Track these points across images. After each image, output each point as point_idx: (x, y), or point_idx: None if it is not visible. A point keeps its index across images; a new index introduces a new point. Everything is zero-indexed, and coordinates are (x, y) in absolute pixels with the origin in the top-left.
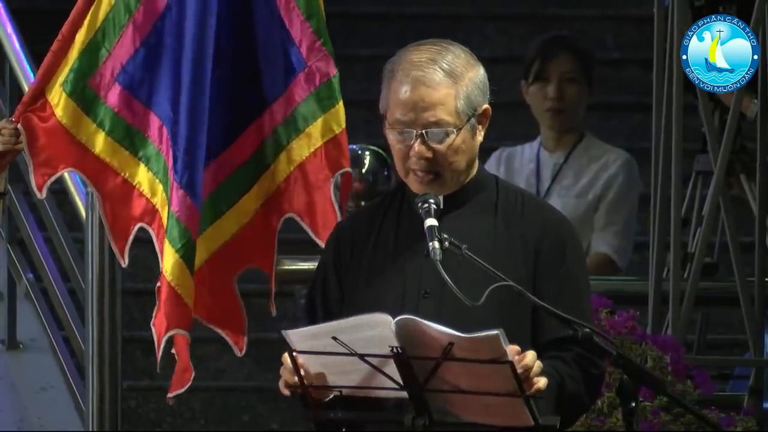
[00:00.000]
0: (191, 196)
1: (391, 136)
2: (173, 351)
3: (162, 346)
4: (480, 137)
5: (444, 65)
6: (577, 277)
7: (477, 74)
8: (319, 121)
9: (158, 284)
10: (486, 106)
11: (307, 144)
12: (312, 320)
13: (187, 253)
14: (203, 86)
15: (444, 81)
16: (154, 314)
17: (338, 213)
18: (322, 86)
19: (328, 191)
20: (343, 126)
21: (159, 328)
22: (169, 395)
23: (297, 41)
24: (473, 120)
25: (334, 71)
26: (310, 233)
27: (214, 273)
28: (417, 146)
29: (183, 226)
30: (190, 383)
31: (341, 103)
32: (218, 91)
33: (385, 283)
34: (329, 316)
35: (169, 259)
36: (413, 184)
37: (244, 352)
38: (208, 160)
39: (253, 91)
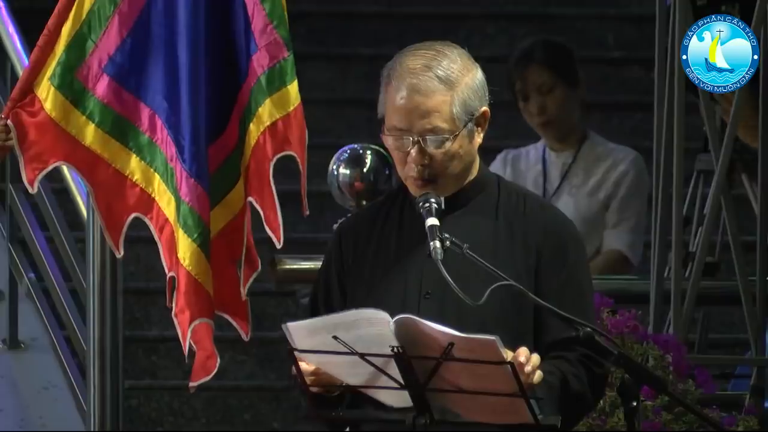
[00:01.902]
0: (201, 184)
1: (389, 142)
2: (190, 341)
3: (188, 336)
4: (479, 139)
5: (439, 72)
6: (580, 278)
7: (474, 78)
8: (266, 103)
9: (170, 274)
10: (484, 108)
11: (257, 128)
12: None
13: (204, 242)
14: (199, 75)
15: (439, 88)
16: (174, 305)
17: (276, 198)
18: (270, 70)
19: (268, 174)
20: (290, 109)
21: (182, 319)
22: (192, 384)
23: (252, 24)
24: (470, 124)
25: (284, 54)
26: (262, 216)
27: (215, 259)
28: (414, 153)
29: (197, 215)
30: (215, 370)
31: (293, 85)
32: (213, 78)
33: (387, 284)
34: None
35: (186, 249)
36: (412, 188)
37: (249, 336)
38: (207, 147)
39: (234, 76)
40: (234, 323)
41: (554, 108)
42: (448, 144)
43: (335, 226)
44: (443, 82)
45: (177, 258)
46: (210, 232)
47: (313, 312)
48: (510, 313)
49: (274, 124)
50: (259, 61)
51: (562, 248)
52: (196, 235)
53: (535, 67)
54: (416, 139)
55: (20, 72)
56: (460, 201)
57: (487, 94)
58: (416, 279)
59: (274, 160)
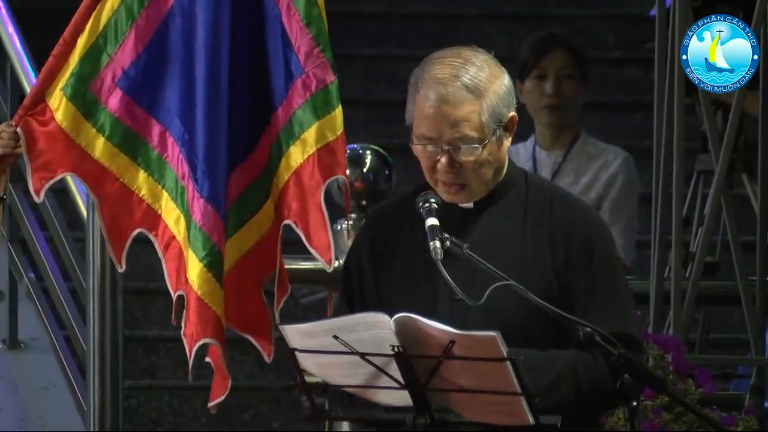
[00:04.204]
0: (214, 205)
1: (418, 150)
2: (207, 359)
3: (193, 355)
4: (507, 143)
5: (467, 80)
6: (609, 273)
7: (501, 85)
8: (314, 127)
9: (177, 293)
10: (512, 114)
11: (301, 150)
12: (350, 311)
13: (212, 262)
14: (219, 94)
15: (468, 98)
16: (183, 324)
17: (328, 220)
18: (318, 93)
19: (318, 198)
20: (338, 133)
21: (189, 338)
22: (210, 404)
23: (296, 47)
24: (499, 131)
25: (331, 78)
26: (304, 240)
27: (240, 280)
28: (443, 161)
29: (207, 235)
30: (228, 391)
31: (339, 109)
32: (237, 98)
33: (418, 285)
34: (365, 308)
35: (194, 269)
36: (442, 194)
37: (272, 358)
38: (233, 168)
39: (265, 97)
40: (256, 344)
41: (568, 94)
42: (477, 152)
43: (368, 212)
44: (471, 92)
45: (186, 278)
46: (220, 252)
47: (348, 299)
48: (539, 315)
49: (325, 147)
50: (306, 84)
51: (591, 245)
52: (203, 255)
53: (562, 51)
54: (446, 148)
55: (20, 72)
56: (489, 201)
57: (514, 98)
58: (445, 282)
59: (326, 184)
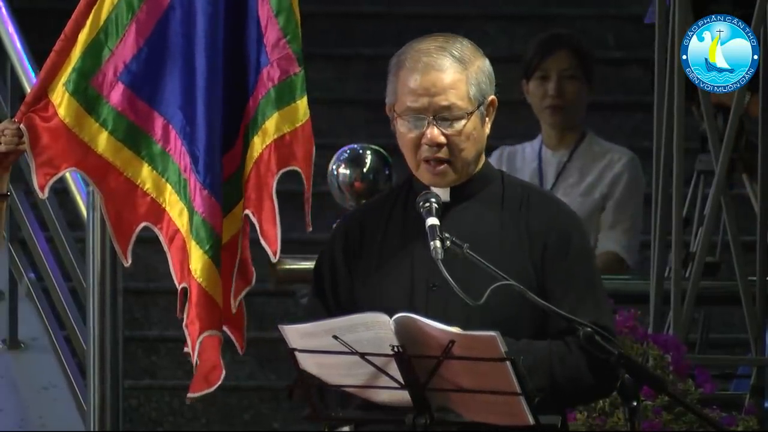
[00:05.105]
0: (215, 196)
1: (402, 127)
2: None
3: (197, 348)
4: (487, 129)
5: (454, 52)
6: (586, 267)
7: (484, 63)
8: (274, 117)
9: (181, 285)
10: (493, 96)
11: (261, 140)
12: (323, 307)
13: (215, 254)
14: (217, 86)
15: (454, 66)
16: (185, 316)
17: (277, 211)
18: (281, 84)
19: (270, 188)
20: (298, 125)
21: (192, 330)
22: (190, 395)
23: (265, 37)
24: (482, 108)
25: (295, 69)
26: (258, 231)
27: (221, 270)
28: (429, 132)
29: (210, 226)
30: (219, 382)
31: (302, 101)
32: (225, 90)
33: (394, 276)
34: (338, 305)
35: (198, 261)
36: (424, 175)
37: (244, 350)
38: (221, 158)
39: (243, 88)
40: (231, 336)
41: (570, 95)
42: (463, 122)
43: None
44: (458, 61)
45: (189, 269)
46: (221, 243)
47: (321, 298)
48: (517, 304)
49: (280, 138)
50: (270, 75)
51: (567, 239)
52: (207, 247)
53: (565, 52)
54: (431, 118)
55: (20, 72)
56: (466, 192)
57: (494, 83)
58: (423, 271)
59: (279, 174)
